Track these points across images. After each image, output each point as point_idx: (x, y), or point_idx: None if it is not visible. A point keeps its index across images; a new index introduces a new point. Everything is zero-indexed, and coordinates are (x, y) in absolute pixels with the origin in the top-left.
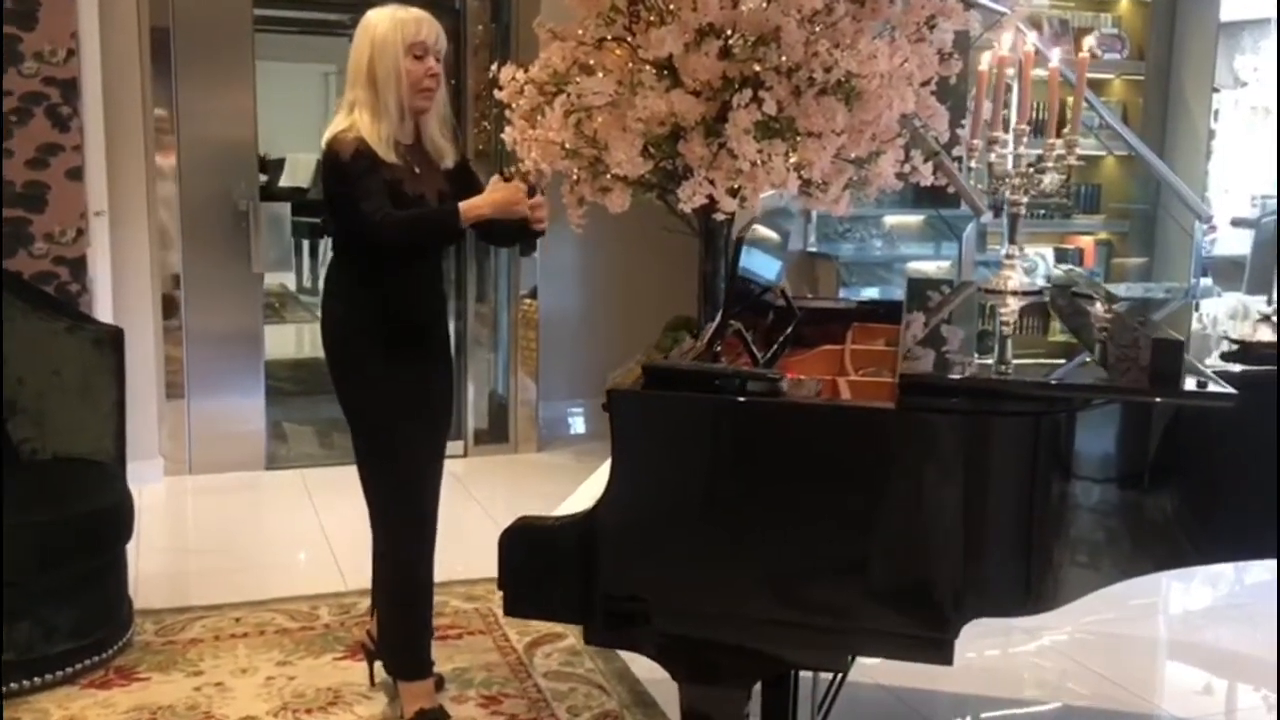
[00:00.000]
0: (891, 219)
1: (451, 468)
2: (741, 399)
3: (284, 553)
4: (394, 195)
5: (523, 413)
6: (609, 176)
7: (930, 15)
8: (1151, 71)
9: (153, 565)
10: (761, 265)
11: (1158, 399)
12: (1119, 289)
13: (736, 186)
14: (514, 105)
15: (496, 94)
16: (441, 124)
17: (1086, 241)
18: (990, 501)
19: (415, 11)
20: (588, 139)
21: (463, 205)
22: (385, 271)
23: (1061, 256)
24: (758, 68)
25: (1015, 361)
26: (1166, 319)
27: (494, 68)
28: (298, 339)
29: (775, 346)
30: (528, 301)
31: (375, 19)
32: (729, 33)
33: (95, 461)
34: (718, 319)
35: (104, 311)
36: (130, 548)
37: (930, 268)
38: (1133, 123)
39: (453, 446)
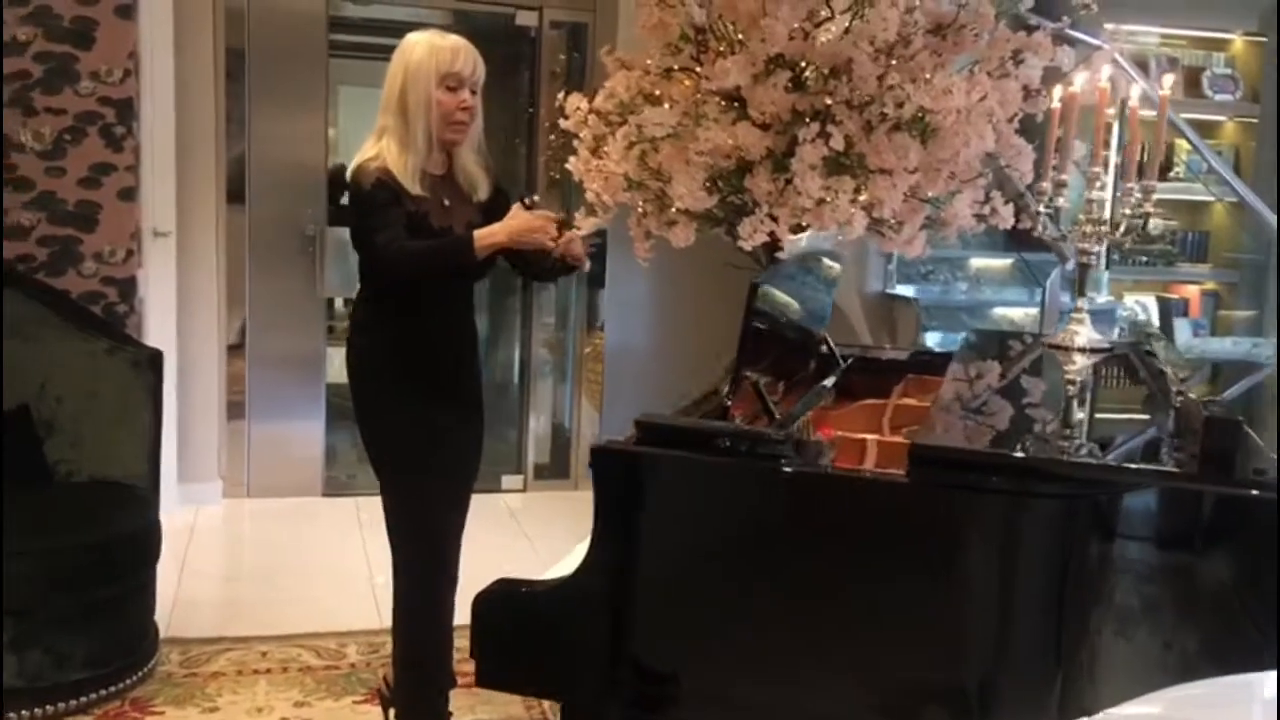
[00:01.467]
0: (978, 261)
1: (508, 502)
2: (728, 461)
3: (323, 585)
4: (418, 228)
5: (586, 448)
6: (674, 210)
7: (1016, 50)
8: (1266, 115)
9: (194, 590)
10: (805, 309)
11: (1202, 487)
12: (1224, 344)
13: (803, 224)
14: (580, 136)
15: (561, 123)
16: (476, 155)
17: (1192, 291)
18: (1009, 596)
19: (453, 40)
20: (652, 171)
21: (477, 234)
22: (408, 306)
23: (1166, 306)
24: (829, 101)
25: (1100, 417)
26: (1253, 389)
27: (560, 97)
28: None
29: (802, 401)
30: (595, 334)
31: (411, 44)
32: (802, 64)
33: (127, 486)
34: (731, 370)
35: (157, 332)
36: (173, 572)
37: (1018, 314)
38: (1245, 168)
39: (511, 480)
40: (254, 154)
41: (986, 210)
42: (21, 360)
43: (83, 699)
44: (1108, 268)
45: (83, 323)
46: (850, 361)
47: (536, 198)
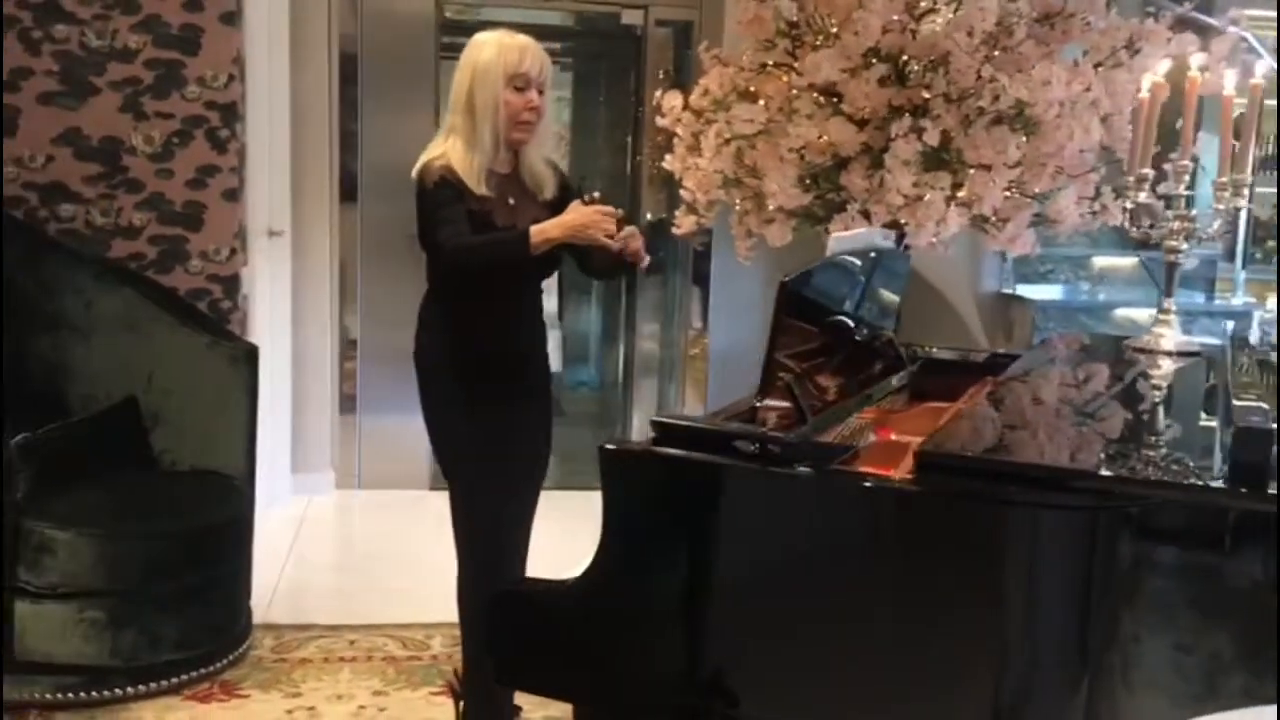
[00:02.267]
0: (1102, 260)
1: None
2: (734, 463)
3: (418, 576)
4: (483, 226)
5: None
6: (772, 208)
7: (1129, 39)
8: None
9: (296, 578)
10: (868, 306)
11: (1229, 502)
12: None
13: (901, 221)
14: (677, 133)
15: (659, 121)
16: (543, 154)
17: None
18: (1023, 613)
19: (521, 40)
20: (748, 168)
21: (534, 228)
22: (471, 303)
23: None
24: (926, 95)
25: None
26: None
27: (658, 95)
28: None
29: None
30: (700, 334)
31: (480, 44)
32: (900, 58)
33: (224, 476)
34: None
35: (267, 328)
36: (279, 559)
37: (1142, 316)
38: None
39: None
40: (366, 155)
41: (1096, 206)
42: (131, 353)
43: (174, 679)
44: (1244, 266)
45: (186, 318)
46: (920, 362)
47: (597, 194)
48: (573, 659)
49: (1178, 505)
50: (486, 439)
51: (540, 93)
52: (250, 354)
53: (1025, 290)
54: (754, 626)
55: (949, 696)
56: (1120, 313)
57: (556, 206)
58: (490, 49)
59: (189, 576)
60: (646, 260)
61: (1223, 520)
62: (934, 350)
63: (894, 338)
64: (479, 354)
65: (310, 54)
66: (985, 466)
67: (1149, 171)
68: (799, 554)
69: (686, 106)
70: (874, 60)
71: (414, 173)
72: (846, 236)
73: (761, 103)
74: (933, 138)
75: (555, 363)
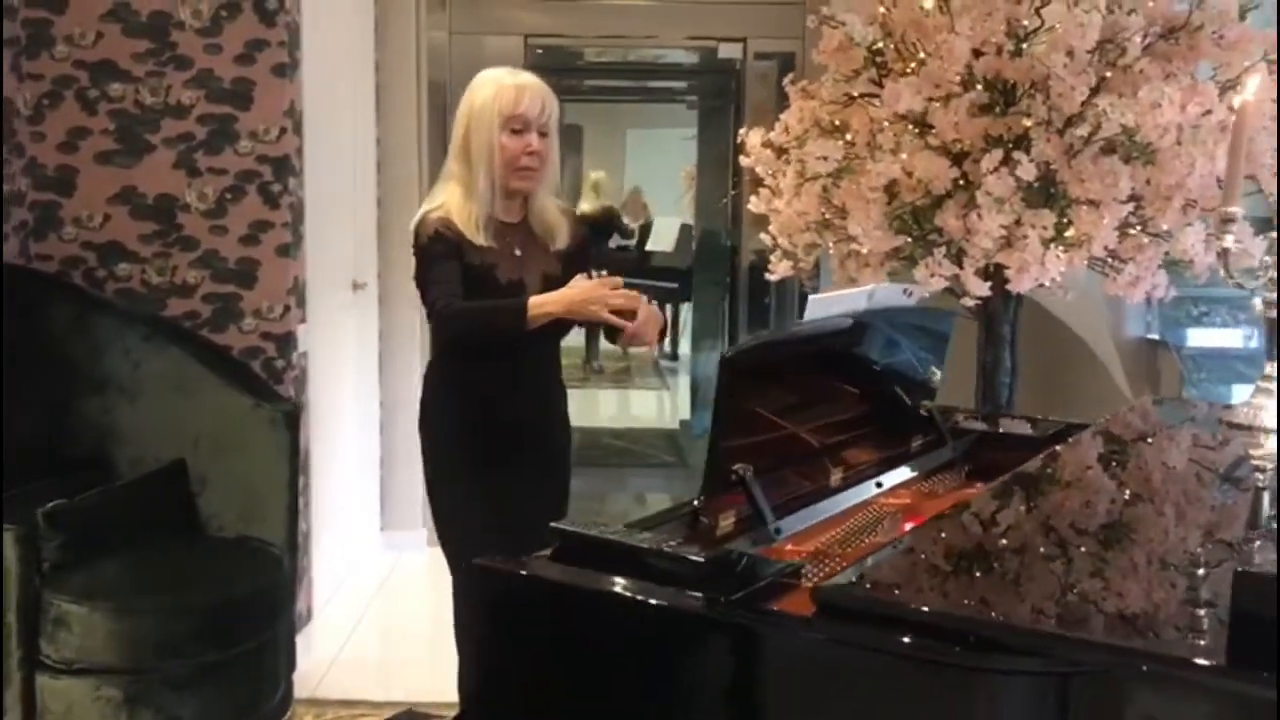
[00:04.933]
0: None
1: None
2: (603, 590)
3: None
4: (483, 281)
5: None
6: (865, 251)
7: (1267, 53)
8: None
9: (362, 644)
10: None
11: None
12: None
13: (995, 265)
14: (756, 173)
15: (742, 161)
16: (555, 200)
17: None
18: None
19: (522, 79)
20: (836, 209)
21: (533, 301)
22: (475, 365)
23: None
24: (1028, 123)
25: None
26: None
27: (743, 132)
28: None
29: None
30: None
31: (477, 85)
32: (999, 83)
33: (265, 544)
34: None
35: (348, 383)
36: (348, 624)
37: None
38: None
39: None
40: None
41: (1231, 244)
42: (179, 415)
43: None
44: None
45: (231, 378)
46: (976, 436)
47: (604, 272)
48: None
49: (1150, 681)
50: (486, 514)
51: (543, 135)
52: (290, 416)
53: (1169, 336)
54: None
55: None
56: None
57: (573, 256)
58: (487, 89)
59: (209, 654)
60: (655, 351)
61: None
62: (1001, 421)
63: (932, 409)
64: (483, 421)
65: (396, 99)
66: (894, 614)
67: (1236, 210)
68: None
69: (764, 143)
70: (967, 87)
71: (411, 225)
72: (828, 298)
73: (849, 137)
74: (1027, 171)
75: (685, 409)
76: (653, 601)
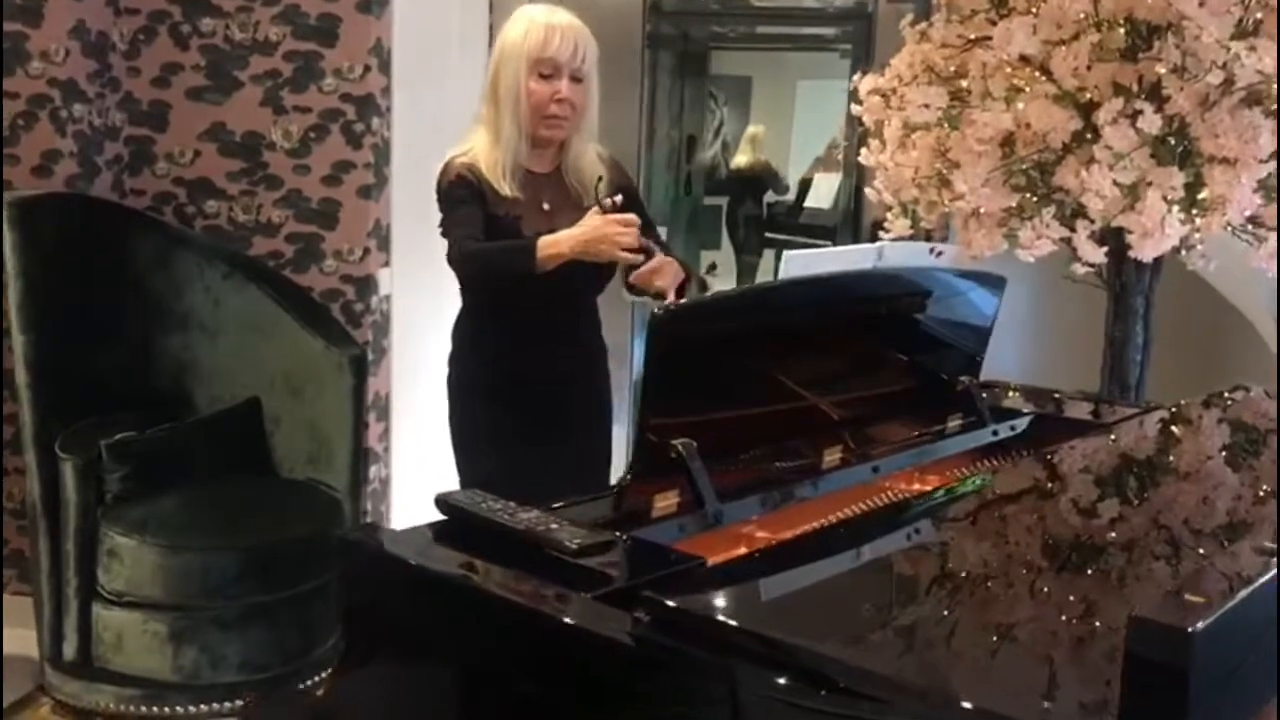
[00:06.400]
0: None
1: None
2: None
3: None
4: (507, 235)
5: None
6: (980, 211)
7: None
8: None
9: None
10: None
11: None
12: None
13: (1114, 228)
14: (863, 122)
15: (853, 109)
16: (595, 150)
17: None
18: None
19: (555, 17)
20: (952, 163)
21: (542, 240)
22: (503, 320)
23: None
24: (1161, 70)
25: None
26: None
27: (855, 78)
28: None
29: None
30: None
31: (511, 22)
32: (1122, 24)
33: (330, 489)
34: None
35: (407, 332)
36: None
37: None
38: None
39: None
40: None
41: None
42: (257, 354)
43: (234, 702)
44: None
45: (305, 319)
46: (1030, 418)
47: (619, 198)
48: None
49: None
50: (510, 480)
51: (576, 80)
52: (357, 361)
53: None
54: None
55: None
56: None
57: (606, 213)
58: (517, 28)
59: (256, 594)
60: (670, 299)
61: None
62: (1064, 401)
63: (971, 385)
64: (509, 380)
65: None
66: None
67: None
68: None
69: (873, 90)
70: (1090, 27)
71: (437, 170)
72: (811, 255)
73: (965, 84)
74: (1150, 123)
75: None
76: (497, 592)
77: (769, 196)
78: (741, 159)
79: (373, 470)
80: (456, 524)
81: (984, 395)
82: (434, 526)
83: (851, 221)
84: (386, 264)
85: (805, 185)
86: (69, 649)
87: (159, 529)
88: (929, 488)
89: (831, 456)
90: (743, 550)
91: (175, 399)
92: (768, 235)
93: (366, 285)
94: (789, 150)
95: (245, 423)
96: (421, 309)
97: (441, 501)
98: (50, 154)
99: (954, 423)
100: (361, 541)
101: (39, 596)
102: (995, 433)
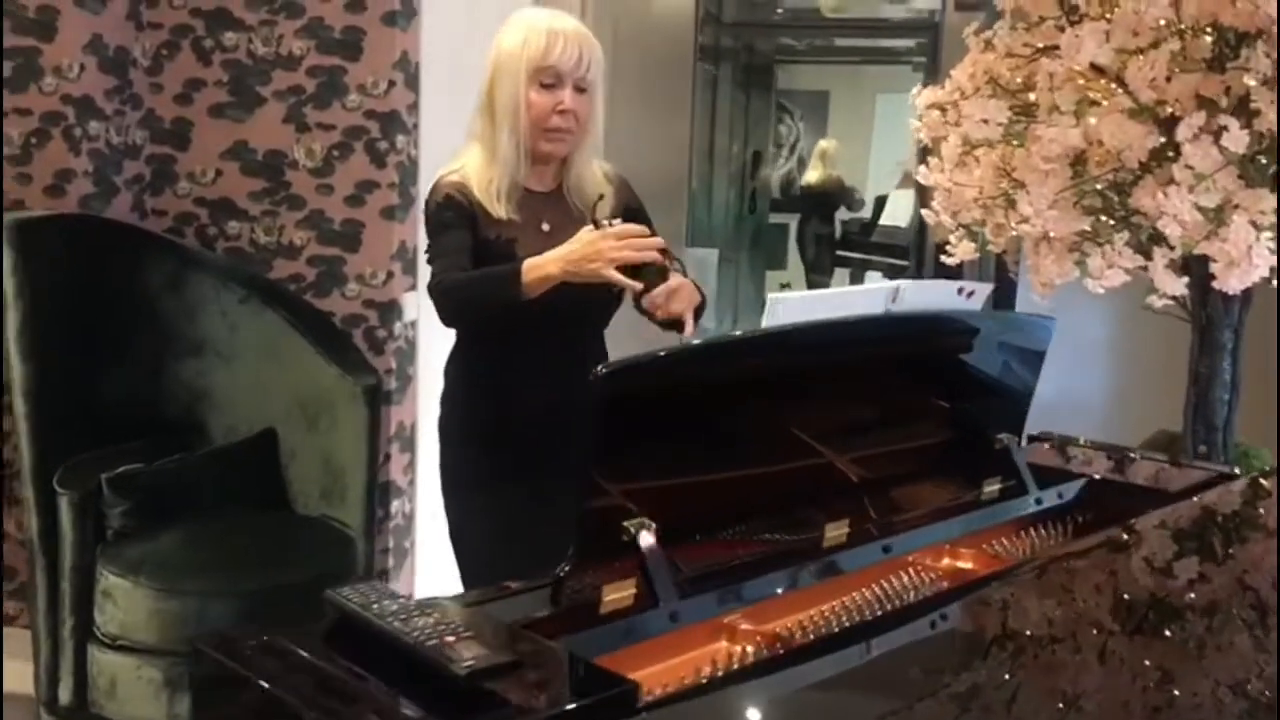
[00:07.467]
0: None
1: None
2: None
3: None
4: (500, 259)
5: None
6: (1050, 236)
7: None
8: None
9: None
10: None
11: None
12: None
13: (1196, 256)
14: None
15: (912, 125)
16: (600, 167)
17: None
18: None
19: (558, 23)
20: (1017, 183)
21: (528, 263)
22: (497, 353)
23: None
24: (1251, 81)
25: None
26: None
27: (914, 91)
28: None
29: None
30: None
31: (508, 27)
32: (1206, 32)
33: (342, 526)
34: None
35: (433, 359)
36: None
37: None
38: None
39: None
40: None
41: None
42: (273, 382)
43: None
44: None
45: (322, 346)
46: (1085, 483)
47: (616, 221)
48: None
49: None
50: (503, 536)
51: (580, 90)
52: (371, 391)
53: None
54: None
55: None
56: None
57: None
58: (515, 34)
59: None
60: (690, 329)
61: None
62: (1129, 462)
63: (1009, 445)
64: (502, 424)
65: None
66: None
67: None
68: None
69: (932, 104)
70: (1170, 35)
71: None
72: (804, 298)
73: (1032, 97)
74: (1237, 140)
75: None
76: None
77: (841, 213)
78: (812, 175)
79: (395, 505)
80: (346, 625)
81: (1024, 454)
82: (329, 626)
83: (919, 242)
84: (412, 288)
85: (881, 202)
86: (64, 692)
87: (154, 570)
88: (965, 564)
89: (836, 531)
90: (722, 646)
91: (188, 428)
92: (839, 254)
93: (390, 310)
94: (868, 166)
95: (259, 455)
96: (448, 335)
97: (328, 601)
98: (63, 173)
99: (990, 488)
100: (204, 653)
101: (36, 635)
102: (1039, 501)
